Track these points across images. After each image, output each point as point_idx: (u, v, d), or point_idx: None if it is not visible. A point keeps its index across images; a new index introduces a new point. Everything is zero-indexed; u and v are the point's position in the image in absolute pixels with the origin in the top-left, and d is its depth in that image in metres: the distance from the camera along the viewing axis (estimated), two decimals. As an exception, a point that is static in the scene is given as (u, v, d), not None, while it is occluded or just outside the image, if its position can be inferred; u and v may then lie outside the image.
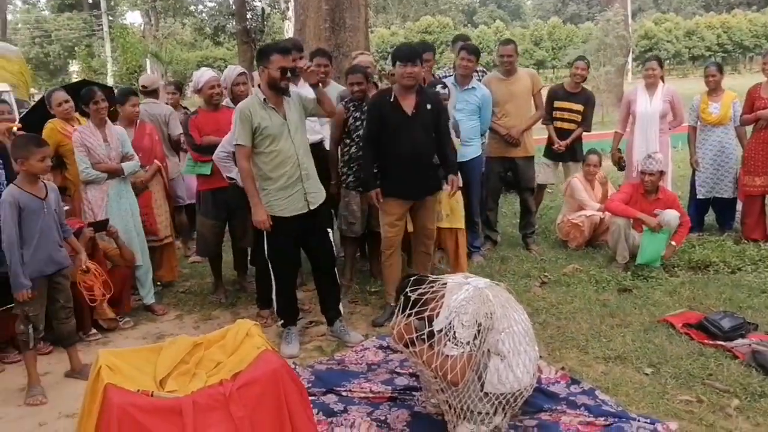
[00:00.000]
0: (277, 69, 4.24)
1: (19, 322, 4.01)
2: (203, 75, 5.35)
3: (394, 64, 4.76)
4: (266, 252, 4.49)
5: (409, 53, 4.69)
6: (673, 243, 5.74)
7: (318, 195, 4.54)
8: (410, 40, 40.97)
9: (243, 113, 4.27)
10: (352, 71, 5.24)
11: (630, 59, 31.93)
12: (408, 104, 4.75)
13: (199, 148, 5.23)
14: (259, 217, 4.33)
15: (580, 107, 6.85)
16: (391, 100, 4.76)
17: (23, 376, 4.13)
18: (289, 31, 20.35)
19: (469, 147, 5.96)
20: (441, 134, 4.89)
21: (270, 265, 4.53)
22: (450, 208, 5.32)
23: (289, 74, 4.30)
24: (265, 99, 4.31)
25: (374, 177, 4.86)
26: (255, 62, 4.40)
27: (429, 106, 4.78)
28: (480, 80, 6.39)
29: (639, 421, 3.37)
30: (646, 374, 3.94)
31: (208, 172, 5.24)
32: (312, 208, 4.47)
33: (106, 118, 5.20)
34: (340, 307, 4.81)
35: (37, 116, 5.95)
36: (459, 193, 5.22)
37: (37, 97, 13.43)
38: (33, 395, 3.97)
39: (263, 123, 4.26)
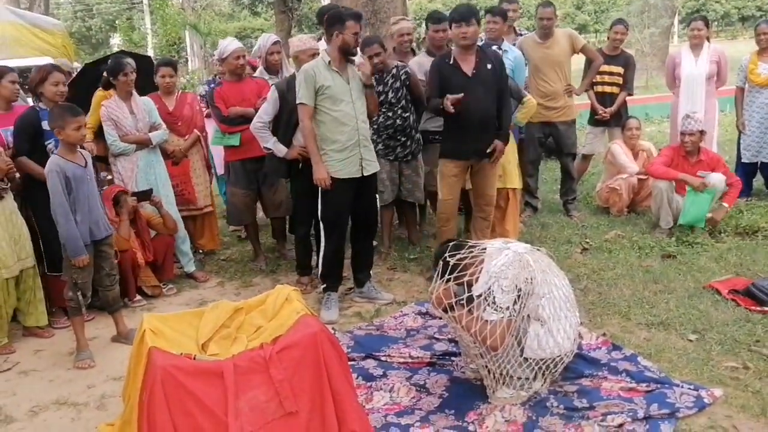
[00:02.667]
0: (352, 34, 4.36)
1: (68, 289, 4.11)
2: (230, 45, 5.34)
3: (450, 26, 4.77)
4: (320, 213, 4.56)
5: (461, 14, 4.67)
6: (725, 204, 5.61)
7: (372, 164, 4.61)
8: (449, 6, 40.36)
9: (307, 73, 4.36)
10: (367, 43, 5.15)
11: (676, 21, 30.92)
12: (467, 65, 4.75)
13: (226, 119, 5.24)
14: (320, 175, 4.41)
15: (620, 70, 6.71)
16: (450, 62, 4.76)
17: (72, 340, 4.25)
18: (326, -1, 20.21)
19: None
20: (501, 94, 4.87)
21: (322, 226, 4.59)
22: (501, 168, 5.28)
23: (359, 40, 4.47)
24: (330, 62, 4.38)
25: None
26: (325, 28, 4.47)
27: (489, 66, 4.77)
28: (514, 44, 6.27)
29: (682, 387, 3.32)
30: (690, 340, 3.87)
31: (237, 143, 5.26)
32: (365, 174, 4.54)
33: (133, 90, 5.22)
34: (371, 272, 4.93)
35: (84, 84, 5.99)
36: (512, 152, 5.32)
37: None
38: (81, 359, 4.09)
39: (326, 83, 4.35)
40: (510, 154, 5.32)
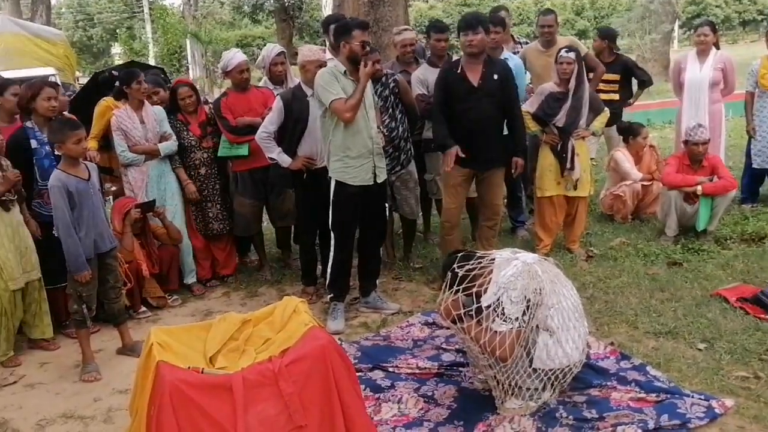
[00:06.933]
0: (358, 43, 4.35)
1: (73, 302, 4.10)
2: (233, 58, 5.31)
3: (458, 35, 4.81)
4: (330, 221, 4.56)
5: (467, 22, 4.71)
6: (700, 187, 5.51)
7: (383, 171, 4.64)
8: (449, 13, 40.42)
9: (331, 74, 4.37)
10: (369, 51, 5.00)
11: (676, 26, 30.99)
12: (474, 75, 4.77)
13: (234, 129, 5.22)
14: (369, 68, 4.33)
15: (616, 77, 6.77)
16: (458, 71, 4.78)
17: (77, 352, 4.24)
18: (327, 7, 20.26)
19: None
20: (510, 106, 4.92)
21: (333, 235, 4.58)
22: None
23: (368, 48, 4.44)
24: (345, 71, 4.39)
25: (448, 136, 4.83)
26: (333, 39, 4.50)
27: (496, 76, 4.79)
28: (517, 53, 6.29)
29: (693, 397, 3.30)
30: (700, 350, 3.85)
31: (246, 153, 5.23)
32: (378, 181, 4.57)
33: (144, 99, 5.20)
34: (377, 282, 4.93)
35: (86, 97, 5.99)
36: (587, 159, 5.43)
37: (82, 81, 13.65)
38: (88, 372, 4.07)
39: (345, 89, 4.34)
40: (585, 162, 5.41)
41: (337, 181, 4.48)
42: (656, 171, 6.43)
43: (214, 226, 5.45)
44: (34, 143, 4.47)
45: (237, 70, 5.26)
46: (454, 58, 5.32)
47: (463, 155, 4.79)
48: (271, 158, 4.90)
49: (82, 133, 3.98)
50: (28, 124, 4.51)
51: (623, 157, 6.43)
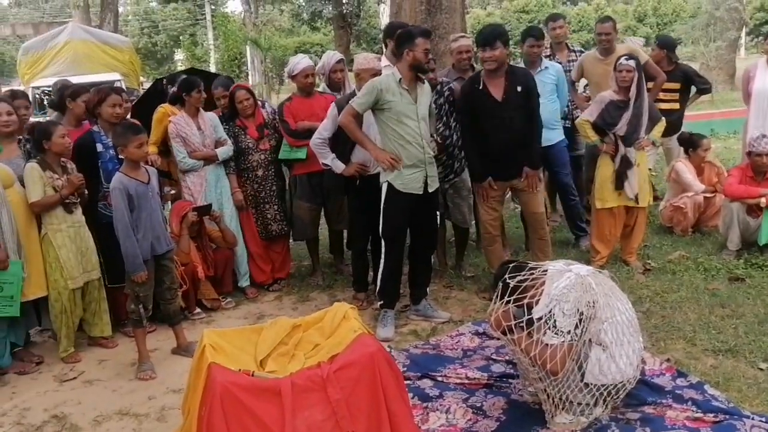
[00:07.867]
0: (422, 51, 4.36)
1: (130, 302, 4.21)
2: (300, 63, 5.39)
3: (476, 48, 4.88)
4: (381, 229, 4.57)
5: (485, 37, 4.67)
6: (764, 199, 5.32)
7: (435, 180, 4.63)
8: (506, 20, 40.13)
9: (374, 85, 4.39)
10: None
11: (743, 33, 30.03)
12: (497, 90, 4.72)
13: (294, 133, 5.30)
14: (380, 155, 4.40)
15: (676, 85, 6.59)
16: (480, 87, 4.74)
17: (134, 351, 4.35)
18: (384, 14, 20.39)
19: (554, 131, 5.77)
20: (531, 115, 4.82)
21: (383, 243, 4.59)
22: (638, 187, 5.30)
23: (430, 56, 4.47)
24: (400, 79, 4.40)
25: (482, 166, 4.88)
26: (396, 46, 4.50)
27: (519, 89, 4.73)
28: (573, 62, 6.23)
29: (753, 419, 3.17)
30: (761, 369, 3.70)
31: (304, 157, 5.30)
32: (430, 191, 4.56)
33: (200, 106, 5.32)
34: (428, 290, 4.91)
35: (149, 102, 6.17)
36: (646, 170, 5.34)
37: (146, 85, 14.05)
38: (143, 370, 4.18)
39: (393, 99, 4.36)
40: (643, 172, 5.34)
41: (388, 186, 4.48)
42: (717, 183, 6.24)
43: (272, 228, 5.54)
44: (99, 147, 4.62)
45: (302, 74, 5.33)
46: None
47: (495, 188, 4.88)
48: (324, 164, 4.95)
49: (144, 138, 4.11)
50: (95, 128, 4.68)
51: (685, 168, 6.26)
